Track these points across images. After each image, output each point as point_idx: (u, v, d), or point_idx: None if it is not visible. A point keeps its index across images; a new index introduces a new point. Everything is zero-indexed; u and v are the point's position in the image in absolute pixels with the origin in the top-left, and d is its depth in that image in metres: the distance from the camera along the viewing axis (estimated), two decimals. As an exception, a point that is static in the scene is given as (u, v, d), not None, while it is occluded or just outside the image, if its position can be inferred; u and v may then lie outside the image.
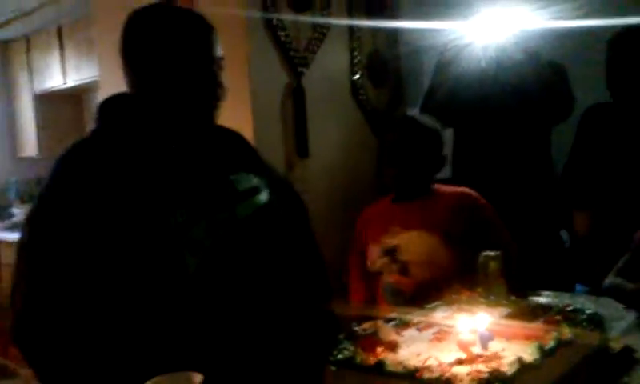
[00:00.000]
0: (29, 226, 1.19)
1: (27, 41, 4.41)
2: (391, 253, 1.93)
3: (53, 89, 4.29)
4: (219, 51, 1.28)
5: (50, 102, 4.44)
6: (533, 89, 2.32)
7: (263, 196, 1.34)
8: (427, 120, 2.13)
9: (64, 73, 4.12)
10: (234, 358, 1.18)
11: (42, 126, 4.42)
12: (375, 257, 2.00)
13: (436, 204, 2.03)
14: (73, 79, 4.07)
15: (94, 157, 1.21)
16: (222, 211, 1.25)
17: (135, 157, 1.21)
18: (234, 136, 1.45)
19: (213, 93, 1.27)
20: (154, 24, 1.26)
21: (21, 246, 1.19)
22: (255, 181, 1.35)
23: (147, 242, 1.15)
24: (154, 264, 1.15)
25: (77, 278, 1.12)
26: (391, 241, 1.96)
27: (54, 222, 1.15)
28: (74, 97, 4.53)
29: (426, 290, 1.80)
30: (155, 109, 1.25)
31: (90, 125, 4.35)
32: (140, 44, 1.25)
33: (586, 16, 2.28)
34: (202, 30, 1.27)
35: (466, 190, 2.07)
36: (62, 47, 4.11)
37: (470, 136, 2.52)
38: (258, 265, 1.26)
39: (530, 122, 2.38)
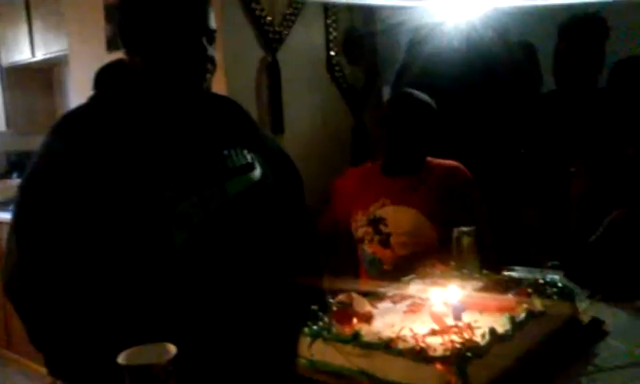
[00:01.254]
0: (22, 194, 1.20)
1: (-7, 13, 4.28)
2: (375, 223, 1.95)
3: (21, 62, 4.18)
4: (212, 23, 1.26)
5: (18, 76, 4.33)
6: (501, 67, 2.35)
7: (256, 173, 1.33)
8: (424, 96, 2.11)
9: (32, 46, 4.01)
10: (213, 329, 1.19)
11: (10, 101, 4.31)
12: (359, 224, 2.01)
13: (427, 179, 2.03)
14: (42, 53, 3.96)
15: (87, 126, 1.21)
16: (212, 187, 1.24)
17: (129, 127, 1.20)
18: (231, 106, 1.43)
19: (202, 64, 1.25)
20: None
21: (15, 210, 1.20)
22: (249, 156, 1.34)
23: (136, 213, 1.15)
24: (141, 235, 1.15)
25: (67, 242, 1.13)
26: (379, 212, 1.98)
27: (46, 190, 1.16)
28: (44, 71, 4.42)
29: (406, 264, 1.82)
30: (148, 78, 1.24)
31: (60, 99, 4.27)
32: (134, 12, 1.23)
33: None
34: (196, 0, 1.24)
35: (455, 163, 2.09)
36: (29, 20, 4.00)
37: (441, 113, 2.54)
38: (247, 242, 1.26)
39: (498, 100, 2.41)
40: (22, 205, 1.19)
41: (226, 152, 1.30)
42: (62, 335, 1.14)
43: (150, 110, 1.24)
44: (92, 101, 1.28)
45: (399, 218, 1.98)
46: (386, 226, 1.95)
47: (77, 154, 1.17)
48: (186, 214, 1.18)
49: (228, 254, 1.23)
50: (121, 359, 0.89)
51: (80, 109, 1.28)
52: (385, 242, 1.96)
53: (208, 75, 1.27)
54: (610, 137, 2.00)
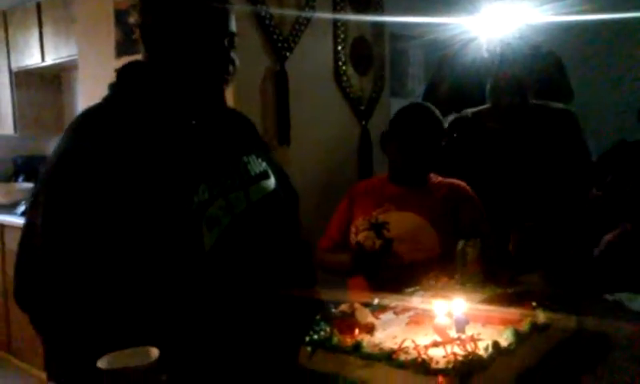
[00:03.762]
0: (46, 195, 1.14)
1: (4, 17, 4.31)
2: (377, 227, 1.94)
3: (31, 66, 4.21)
4: (234, 26, 1.26)
5: (28, 81, 4.36)
6: (534, 82, 2.35)
7: (271, 181, 1.35)
8: (436, 109, 2.13)
9: (42, 50, 4.04)
10: (233, 331, 1.19)
11: (19, 105, 4.34)
12: (360, 228, 2.00)
13: (430, 192, 2.07)
14: (51, 57, 3.99)
15: (109, 125, 1.18)
16: (237, 190, 1.24)
17: (156, 128, 1.19)
18: (242, 118, 1.44)
19: (224, 66, 1.25)
20: None
21: (35, 214, 1.14)
22: (264, 165, 1.35)
23: (169, 217, 1.13)
24: (173, 239, 1.14)
25: (92, 246, 1.10)
26: (382, 216, 1.97)
27: (72, 187, 1.12)
28: (53, 75, 4.46)
29: (405, 272, 1.81)
30: (169, 79, 1.23)
31: (69, 104, 4.28)
32: (157, 13, 1.22)
33: (587, 12, 2.32)
34: (219, 3, 1.25)
35: (457, 181, 2.13)
36: (40, 24, 4.03)
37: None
38: (262, 248, 1.26)
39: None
40: (48, 207, 1.13)
41: (245, 158, 1.31)
42: (85, 341, 1.10)
43: (173, 111, 1.24)
44: (111, 99, 1.26)
45: (402, 223, 1.97)
46: (389, 230, 1.94)
47: (101, 153, 1.14)
48: (215, 217, 1.18)
49: (250, 258, 1.24)
50: (100, 363, 0.88)
51: (100, 107, 1.24)
52: (387, 247, 1.94)
53: (228, 77, 1.27)
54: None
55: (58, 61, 3.96)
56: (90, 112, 1.24)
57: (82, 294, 1.10)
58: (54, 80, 4.50)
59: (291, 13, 2.61)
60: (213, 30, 1.22)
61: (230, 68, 1.26)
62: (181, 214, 1.14)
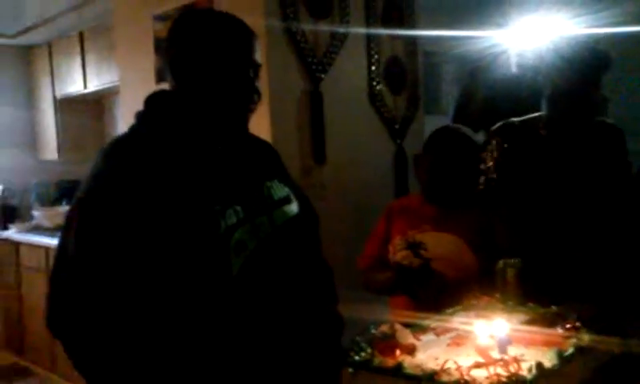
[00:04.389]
0: (80, 220, 1.17)
1: (49, 46, 4.47)
2: (414, 247, 1.94)
3: (74, 93, 4.35)
4: (259, 57, 1.30)
5: (70, 107, 4.50)
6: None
7: (294, 206, 1.36)
8: (468, 130, 2.13)
9: (85, 78, 4.17)
10: (263, 355, 1.19)
11: (62, 130, 4.48)
12: (397, 248, 2.00)
13: (468, 211, 2.05)
14: (93, 84, 4.11)
15: (143, 152, 1.21)
16: (262, 215, 1.26)
17: (184, 155, 1.22)
18: (264, 144, 1.47)
19: (249, 97, 1.28)
20: (200, 26, 1.28)
21: (68, 238, 1.17)
22: (286, 190, 1.37)
23: (198, 242, 1.15)
24: (202, 264, 1.15)
25: (123, 271, 1.12)
26: (419, 236, 1.97)
27: (105, 212, 1.14)
28: (95, 101, 4.59)
29: (446, 290, 1.80)
30: (196, 108, 1.26)
31: (110, 129, 4.39)
32: (185, 45, 1.27)
33: (622, 24, 2.28)
34: (244, 35, 1.28)
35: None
36: (83, 52, 4.16)
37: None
38: (286, 272, 1.28)
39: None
40: (81, 232, 1.16)
41: (268, 183, 1.34)
42: (119, 369, 1.13)
43: (200, 137, 1.27)
44: (140, 127, 1.29)
45: (439, 243, 1.97)
46: (426, 250, 1.94)
47: (132, 178, 1.16)
48: (241, 241, 1.20)
49: (276, 281, 1.25)
50: None
51: (130, 134, 1.28)
52: (424, 268, 1.94)
53: (253, 106, 1.30)
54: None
55: (99, 87, 4.08)
56: (121, 139, 1.28)
57: (115, 322, 1.12)
58: (96, 106, 4.63)
59: (325, 33, 2.65)
60: (238, 62, 1.25)
61: (255, 97, 1.29)
62: (209, 239, 1.16)
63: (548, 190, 2.07)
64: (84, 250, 1.14)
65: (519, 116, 2.26)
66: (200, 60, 1.24)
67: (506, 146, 2.14)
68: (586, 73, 1.99)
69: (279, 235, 1.27)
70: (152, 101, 1.31)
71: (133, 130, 1.29)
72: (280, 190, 1.35)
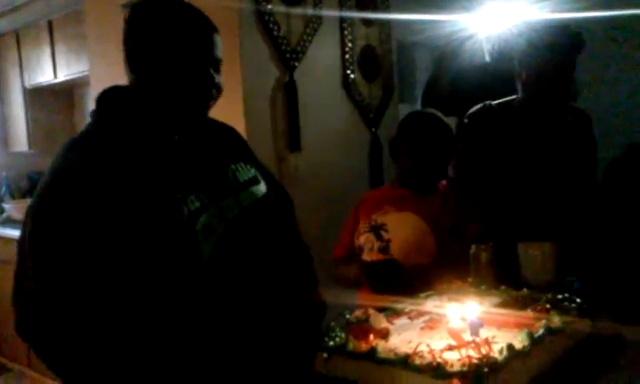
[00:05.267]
0: (34, 221, 1.15)
1: (17, 35, 4.38)
2: (377, 229, 1.93)
3: (43, 83, 4.26)
4: (219, 53, 1.28)
5: (40, 97, 4.41)
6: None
7: (261, 187, 1.36)
8: (443, 116, 2.10)
9: (55, 67, 4.09)
10: (236, 340, 1.19)
11: (32, 122, 4.39)
12: (361, 231, 2.00)
13: (435, 199, 2.03)
14: (63, 74, 4.03)
15: (99, 148, 1.20)
16: (227, 198, 1.26)
17: (140, 147, 1.21)
18: (227, 128, 1.46)
19: (208, 92, 1.27)
20: (158, 17, 1.25)
21: (25, 240, 1.15)
22: (252, 171, 1.37)
23: (162, 230, 1.14)
24: (170, 252, 1.14)
25: (89, 271, 1.10)
26: (381, 218, 1.97)
27: (63, 215, 1.12)
28: (65, 92, 4.50)
29: (407, 278, 1.79)
30: (152, 102, 1.25)
31: (81, 120, 4.32)
32: (142, 36, 1.24)
33: (585, 9, 2.30)
34: (204, 29, 1.26)
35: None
36: (52, 42, 4.08)
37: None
38: (259, 253, 1.27)
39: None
40: (37, 230, 1.14)
41: (232, 166, 1.33)
42: (90, 365, 1.12)
43: (155, 129, 1.25)
44: (96, 124, 1.28)
45: (400, 223, 1.95)
46: (387, 231, 1.93)
47: (90, 173, 1.15)
48: (208, 225, 1.19)
49: (249, 263, 1.25)
50: None
51: (86, 132, 1.27)
52: (384, 250, 1.92)
53: (212, 101, 1.30)
54: None
55: (69, 77, 4.01)
56: (77, 137, 1.27)
57: (83, 320, 1.10)
58: (67, 96, 4.55)
59: (299, 21, 2.64)
60: (196, 56, 1.23)
61: (214, 92, 1.28)
62: (171, 226, 1.15)
63: (523, 170, 2.09)
64: (44, 250, 1.12)
65: (484, 101, 2.27)
66: (157, 52, 1.22)
67: (483, 127, 2.15)
68: (563, 53, 2.00)
69: (248, 216, 1.27)
70: (103, 98, 1.29)
71: (87, 128, 1.28)
72: (246, 172, 1.34)
